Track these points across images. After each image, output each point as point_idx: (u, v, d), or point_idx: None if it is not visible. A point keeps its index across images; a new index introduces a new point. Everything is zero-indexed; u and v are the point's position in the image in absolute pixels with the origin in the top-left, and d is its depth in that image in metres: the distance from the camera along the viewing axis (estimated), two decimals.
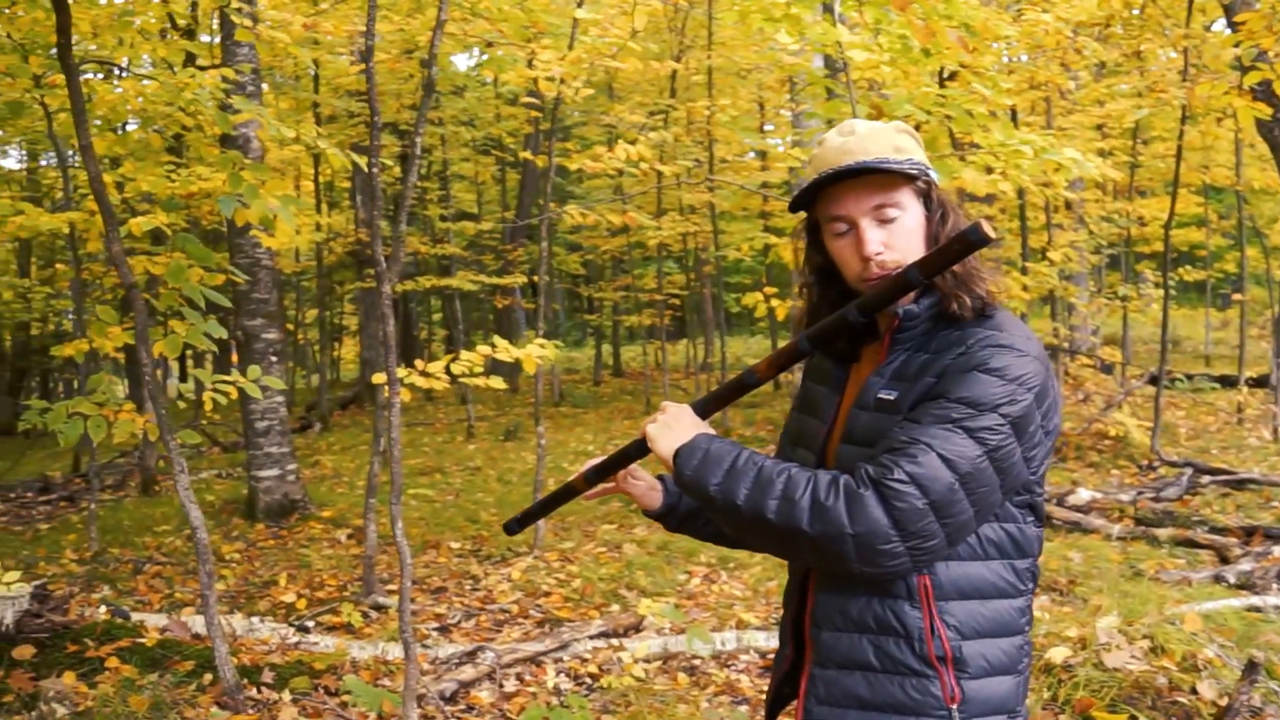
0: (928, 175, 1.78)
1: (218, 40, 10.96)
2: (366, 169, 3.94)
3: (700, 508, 1.93)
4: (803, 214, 1.90)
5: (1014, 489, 1.70)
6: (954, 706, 1.68)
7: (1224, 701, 3.82)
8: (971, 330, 1.71)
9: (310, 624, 5.55)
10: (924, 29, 3.57)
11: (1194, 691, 3.90)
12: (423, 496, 9.72)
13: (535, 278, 18.69)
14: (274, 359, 8.25)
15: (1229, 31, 7.68)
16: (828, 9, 5.09)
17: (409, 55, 11.99)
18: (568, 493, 2.06)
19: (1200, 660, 4.05)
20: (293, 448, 8.76)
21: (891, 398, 1.72)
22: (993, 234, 1.60)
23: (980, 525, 1.69)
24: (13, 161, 22.42)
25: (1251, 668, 3.81)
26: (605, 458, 2.00)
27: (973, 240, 1.59)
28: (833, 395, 1.89)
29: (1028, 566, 1.78)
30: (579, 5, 6.87)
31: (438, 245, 16.80)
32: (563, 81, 6.90)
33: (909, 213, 1.76)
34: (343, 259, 19.99)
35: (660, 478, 2.11)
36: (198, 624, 5.20)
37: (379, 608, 6.08)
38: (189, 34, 9.45)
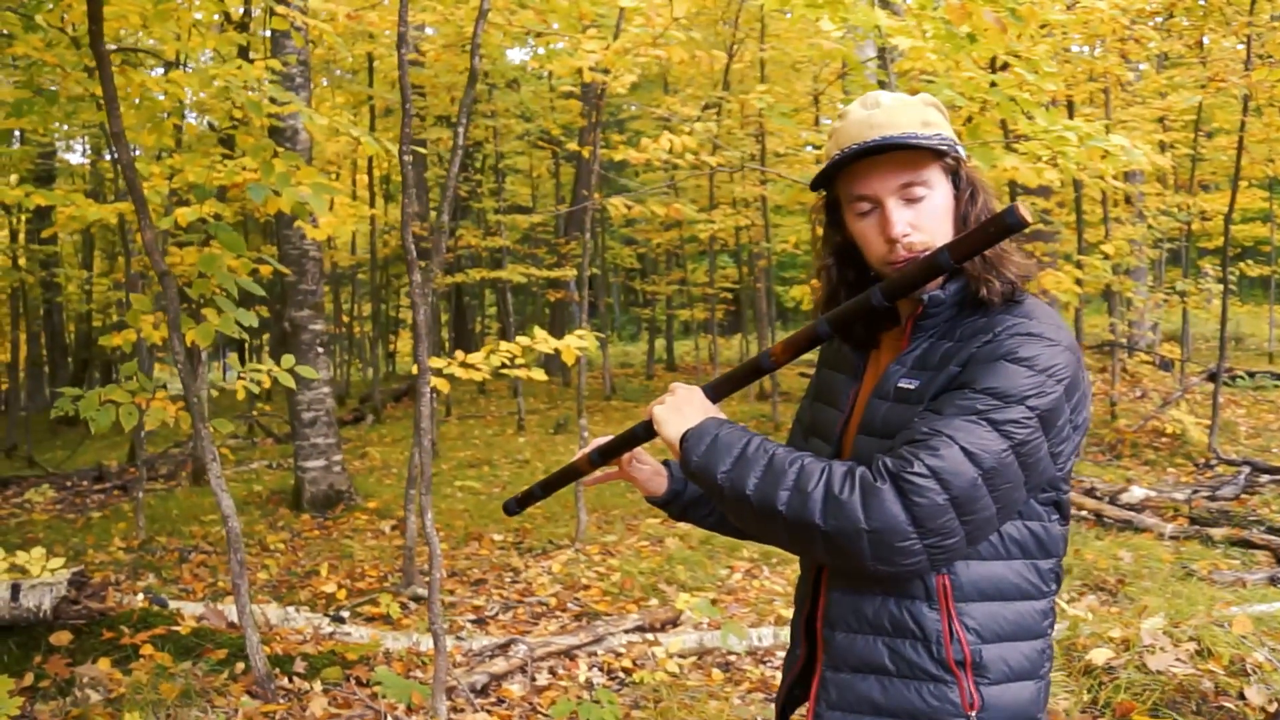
0: (956, 151, 1.68)
1: (268, 34, 11.09)
2: (398, 157, 3.91)
3: (705, 496, 1.86)
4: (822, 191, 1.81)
5: (1039, 486, 1.60)
6: (973, 713, 1.60)
7: (1273, 708, 3.67)
8: (999, 318, 1.62)
9: (346, 614, 5.56)
10: (959, 8, 3.45)
11: (1241, 696, 3.75)
12: (469, 489, 9.74)
13: (590, 270, 18.74)
14: (320, 349, 8.30)
15: None
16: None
17: (463, 49, 12.00)
18: (571, 473, 2.00)
19: (1249, 664, 3.89)
20: (339, 439, 8.81)
21: (912, 387, 1.64)
22: (1030, 217, 1.50)
23: (1003, 523, 1.60)
24: (78, 156, 22.89)
25: None
26: (611, 438, 1.93)
27: (1010, 223, 1.49)
28: (850, 383, 1.81)
29: (1051, 567, 1.69)
30: None
31: (489, 238, 16.85)
32: (607, 71, 6.84)
33: (937, 191, 1.66)
34: (397, 252, 20.14)
35: (666, 463, 2.03)
36: (234, 613, 5.22)
37: (418, 599, 6.07)
38: (243, 27, 9.55)
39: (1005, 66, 5.51)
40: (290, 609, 5.40)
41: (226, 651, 4.46)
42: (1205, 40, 9.70)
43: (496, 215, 15.88)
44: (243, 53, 8.87)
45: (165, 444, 14.12)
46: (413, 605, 6.02)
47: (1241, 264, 13.54)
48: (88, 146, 21.10)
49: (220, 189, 5.38)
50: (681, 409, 1.73)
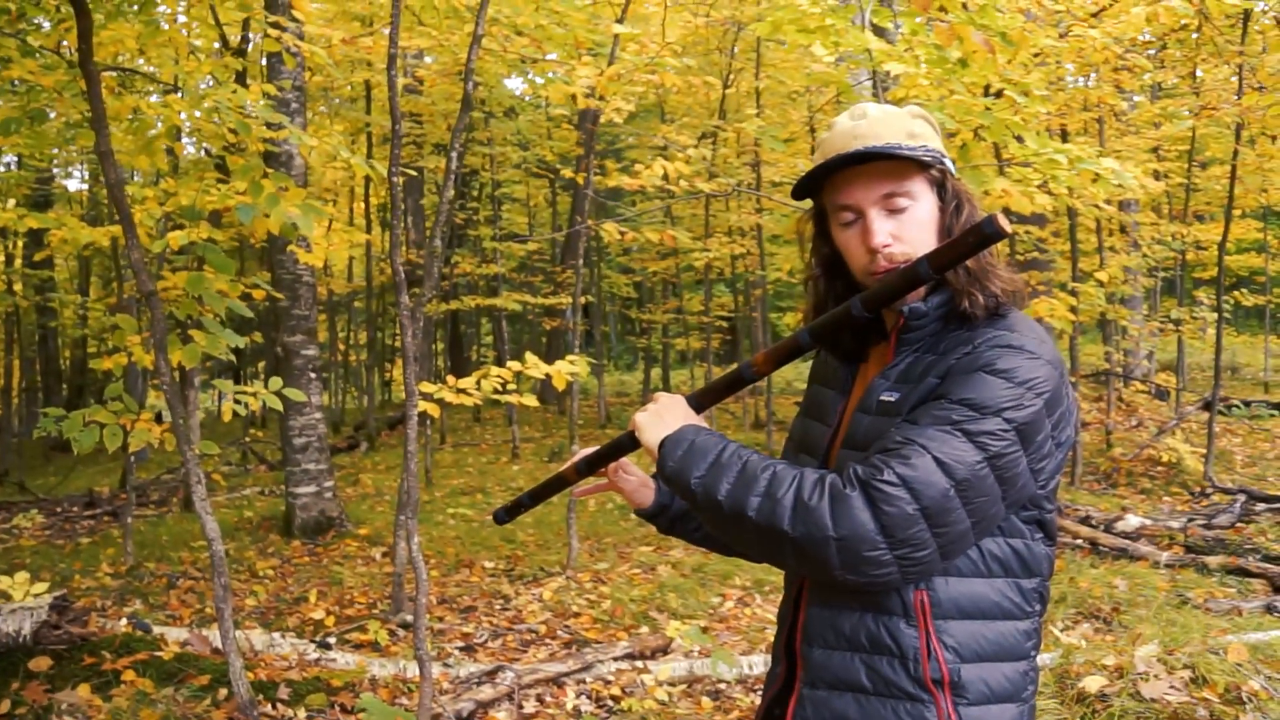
0: (942, 163, 1.67)
1: (264, 60, 11.12)
2: (388, 179, 3.90)
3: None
4: (808, 204, 1.80)
5: (1019, 502, 1.57)
6: None
7: None
8: (981, 330, 1.60)
9: (332, 641, 5.50)
10: (948, 31, 3.45)
11: None
12: (462, 516, 9.69)
13: (586, 298, 18.74)
14: (312, 375, 8.27)
15: None
16: (877, 30, 4.99)
17: (460, 77, 12.05)
18: (558, 483, 1.99)
19: (1245, 692, 3.84)
20: (331, 465, 8.76)
21: (893, 400, 1.61)
22: (1008, 228, 1.48)
23: (980, 539, 1.57)
24: (76, 182, 22.94)
25: None
26: (598, 448, 1.91)
27: (987, 233, 1.48)
28: (838, 398, 1.79)
29: (1035, 587, 1.65)
30: (619, 21, 6.83)
31: (485, 265, 16.87)
32: (601, 98, 6.86)
33: (921, 203, 1.65)
34: (391, 280, 20.13)
35: (655, 475, 2.01)
36: (218, 638, 5.17)
37: (406, 626, 6.01)
38: (240, 53, 9.59)
39: (1000, 94, 5.53)
40: (276, 635, 5.35)
41: (209, 677, 4.41)
42: (1199, 72, 9.75)
43: (493, 243, 15.90)
44: (240, 78, 8.92)
45: (158, 470, 14.08)
46: (401, 632, 5.96)
47: (1236, 293, 13.55)
48: (86, 172, 21.15)
49: (214, 213, 5.36)
50: (663, 416, 1.71)
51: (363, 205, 20.42)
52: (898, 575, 1.48)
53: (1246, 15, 7.49)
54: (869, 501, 1.44)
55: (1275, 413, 13.26)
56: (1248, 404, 13.43)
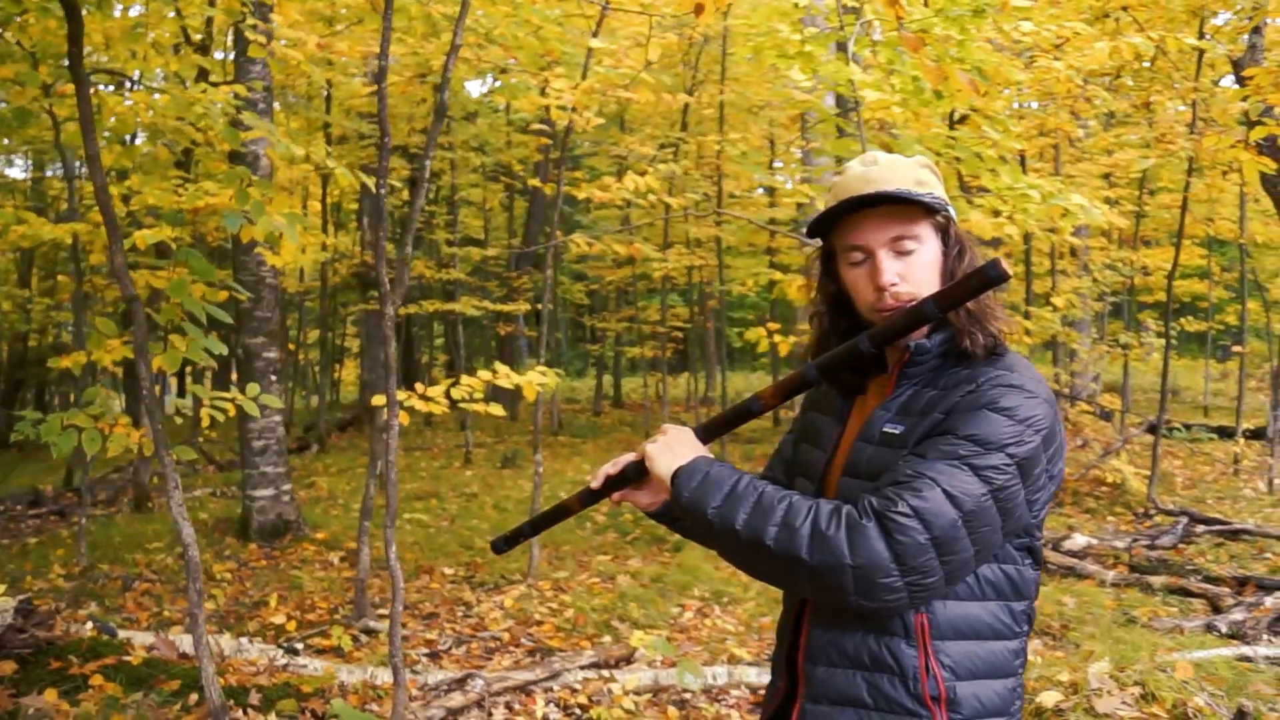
0: (947, 211, 1.77)
1: (231, 57, 11.03)
2: (375, 190, 3.95)
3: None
4: (818, 243, 1.88)
5: (1015, 531, 1.68)
6: None
7: None
8: (982, 369, 1.70)
9: (299, 646, 5.50)
10: (936, 70, 3.58)
11: None
12: (418, 521, 9.67)
13: (539, 305, 18.75)
14: (273, 377, 8.24)
15: (1237, 87, 7.74)
16: (841, 47, 5.11)
17: (422, 79, 12.06)
18: (562, 512, 2.04)
19: (1190, 708, 4.01)
20: (289, 468, 8.73)
21: (897, 432, 1.71)
22: (1010, 272, 1.59)
23: (980, 565, 1.67)
24: (18, 171, 22.49)
25: (1241, 716, 3.78)
26: (600, 485, 1.96)
27: (992, 276, 1.58)
28: (835, 426, 1.88)
29: (1024, 609, 1.76)
30: (594, 35, 6.91)
31: (443, 270, 16.83)
32: (574, 110, 6.93)
33: (927, 246, 1.75)
34: (347, 280, 20.04)
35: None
36: (186, 643, 5.16)
37: (369, 632, 6.03)
38: (203, 49, 9.52)
39: (964, 119, 5.70)
40: (243, 640, 5.35)
41: (179, 682, 4.41)
42: (1151, 102, 10.04)
43: (451, 248, 15.87)
44: (202, 75, 8.86)
45: (104, 469, 13.86)
46: (364, 638, 5.97)
47: (1181, 320, 13.94)
48: (29, 162, 20.78)
49: (174, 211, 5.35)
50: (673, 447, 1.79)
51: (319, 205, 20.31)
52: (907, 600, 1.58)
53: (1200, 53, 7.75)
54: (884, 532, 1.54)
55: (1215, 436, 13.64)
56: (1188, 427, 13.79)
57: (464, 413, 14.28)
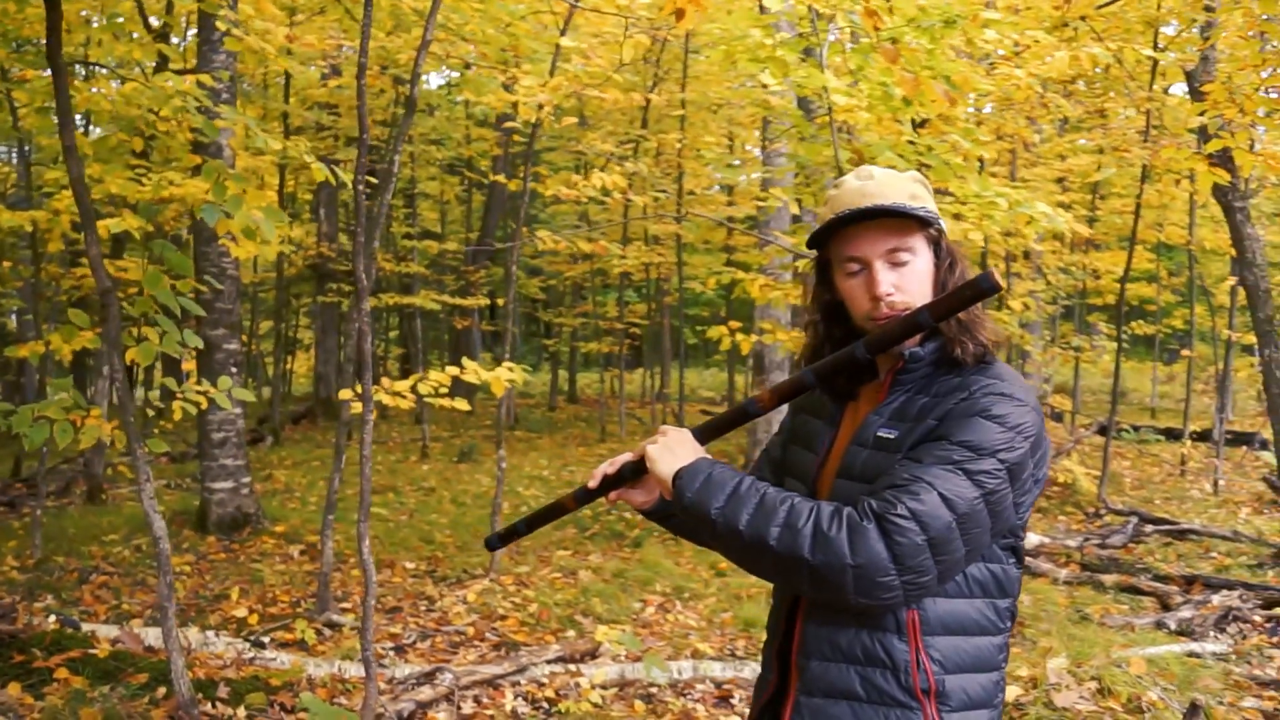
0: (939, 224, 1.84)
1: (186, 42, 10.89)
2: (351, 184, 3.95)
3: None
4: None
5: (1002, 532, 1.75)
6: None
7: None
8: (973, 378, 1.77)
9: (266, 640, 5.49)
10: (911, 81, 3.67)
11: None
12: (376, 515, 9.65)
13: (500, 300, 18.71)
14: (234, 369, 8.18)
15: (1188, 95, 7.94)
16: (809, 53, 5.19)
17: (384, 70, 11.98)
18: (556, 510, 2.07)
19: (1144, 702, 4.15)
20: (248, 461, 8.67)
21: (891, 436, 1.77)
22: (1003, 283, 1.67)
23: (969, 565, 1.75)
24: None
25: (1194, 710, 3.92)
26: (598, 484, 2.00)
27: (984, 288, 1.65)
28: (827, 429, 1.94)
29: (1008, 606, 1.84)
30: (562, 33, 6.94)
31: (401, 263, 16.75)
32: (541, 107, 6.96)
33: (920, 257, 1.82)
34: (302, 272, 19.86)
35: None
36: (150, 636, 5.14)
37: (333, 625, 6.02)
38: (163, 36, 9.40)
39: (925, 123, 5.80)
40: (209, 633, 5.33)
41: (147, 676, 4.39)
42: (1104, 109, 10.25)
43: (410, 241, 15.79)
44: (162, 62, 8.75)
45: (53, 459, 13.64)
46: (328, 631, 5.97)
47: (1131, 323, 14.24)
48: None
49: (146, 202, 5.31)
50: (673, 449, 1.84)
51: (273, 195, 20.08)
52: (902, 598, 1.65)
53: (1155, 63, 7.94)
54: (883, 533, 1.61)
55: (1162, 438, 13.96)
56: (1136, 428, 14.11)
57: (420, 406, 14.24)
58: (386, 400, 5.95)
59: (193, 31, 13.64)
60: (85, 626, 5.13)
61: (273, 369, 20.08)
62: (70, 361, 16.67)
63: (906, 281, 1.82)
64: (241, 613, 6.25)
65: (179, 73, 7.22)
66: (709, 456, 1.82)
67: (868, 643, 1.76)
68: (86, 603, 6.56)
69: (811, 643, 1.82)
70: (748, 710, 4.74)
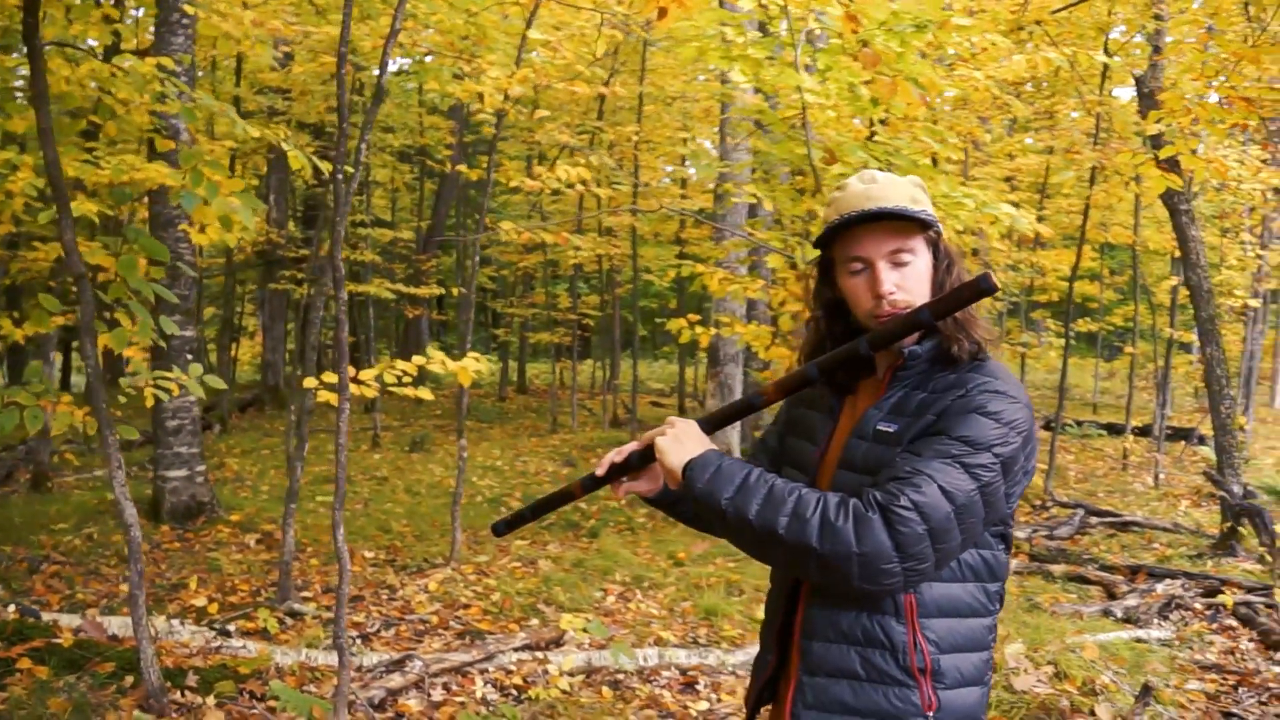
0: (938, 227, 1.93)
1: (129, 22, 10.70)
2: (330, 175, 3.96)
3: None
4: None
5: (994, 521, 1.85)
6: (931, 714, 1.83)
7: None
8: (969, 375, 1.85)
9: (232, 628, 5.47)
10: (889, 84, 3.77)
11: (1092, 714, 4.16)
12: (329, 504, 9.60)
13: (455, 290, 18.62)
14: (189, 357, 8.09)
15: (1136, 98, 8.16)
16: (775, 54, 5.27)
17: (332, 55, 11.84)
18: (564, 497, 2.13)
19: (1098, 685, 4.30)
20: (202, 449, 8.59)
21: (891, 430, 1.86)
22: (999, 285, 1.76)
23: (963, 552, 1.84)
24: None
25: (1145, 691, 4.08)
26: (605, 471, 2.06)
27: (983, 288, 1.75)
28: (827, 422, 2.02)
29: (997, 589, 1.94)
30: (528, 25, 6.96)
31: (354, 251, 16.62)
32: (507, 97, 6.98)
33: (920, 258, 1.90)
34: (250, 259, 19.62)
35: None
36: (114, 625, 5.11)
37: (295, 614, 6.01)
38: (111, 19, 9.25)
39: (884, 122, 5.92)
40: (175, 621, 5.30)
41: (114, 665, 4.37)
42: (1053, 111, 10.48)
43: (363, 229, 15.68)
44: (114, 48, 8.62)
45: None
46: (290, 620, 5.95)
47: (1076, 321, 14.57)
48: None
49: (119, 187, 5.25)
50: (682, 440, 1.91)
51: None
52: (902, 583, 1.74)
53: (1105, 69, 8.15)
54: (887, 523, 1.70)
55: (1104, 433, 14.30)
56: (1080, 424, 14.43)
57: (374, 396, 14.12)
58: (352, 389, 5.94)
59: (138, 11, 13.44)
60: (46, 616, 5.08)
61: (217, 357, 19.79)
62: (8, 347, 16.38)
63: (908, 281, 1.90)
64: (201, 602, 6.21)
65: (138, 54, 7.14)
66: (716, 448, 1.89)
67: (868, 625, 1.85)
68: (38, 592, 6.47)
69: (814, 625, 1.90)
70: (713, 695, 4.84)
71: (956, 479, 1.73)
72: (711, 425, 1.98)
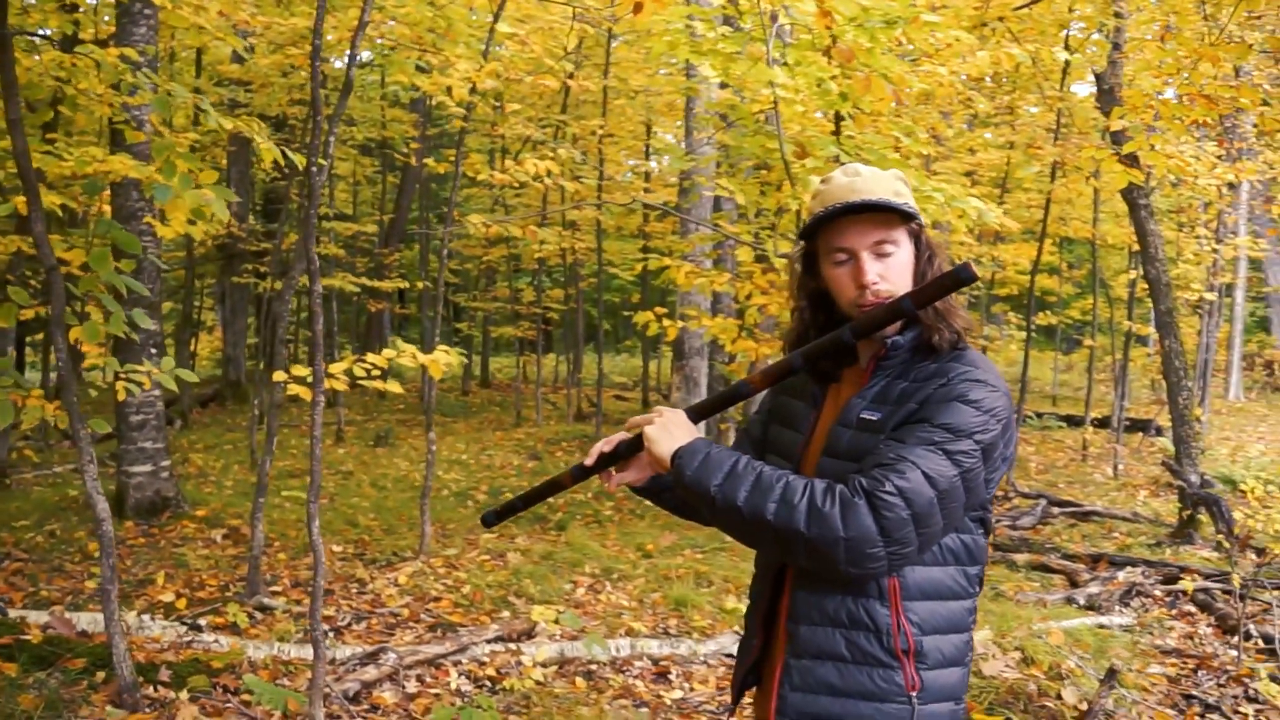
0: (920, 219, 1.98)
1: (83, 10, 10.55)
2: (304, 166, 3.95)
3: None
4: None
5: (974, 506, 1.90)
6: (914, 693, 1.88)
7: (1084, 706, 4.17)
8: (949, 365, 1.90)
9: (203, 623, 5.45)
10: (863, 79, 3.82)
11: (1059, 697, 4.25)
12: (296, 499, 9.55)
13: (419, 284, 18.53)
14: (154, 350, 8.02)
15: (1095, 94, 8.29)
16: (744, 48, 5.31)
17: (298, 42, 11.73)
18: (553, 487, 2.16)
19: (1064, 670, 4.39)
20: (167, 444, 8.51)
21: (874, 418, 1.90)
22: (978, 274, 1.80)
23: (945, 536, 1.89)
24: None
25: (1111, 674, 4.18)
26: (594, 461, 2.09)
27: (963, 277, 1.79)
28: (810, 410, 2.07)
29: (977, 572, 1.99)
30: (495, 18, 6.96)
31: (317, 245, 16.47)
32: (474, 90, 6.97)
33: (903, 249, 1.95)
34: (210, 253, 19.41)
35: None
36: (83, 621, 5.07)
37: (265, 609, 5.99)
38: (73, 7, 9.13)
39: (850, 117, 5.98)
40: (145, 617, 5.27)
41: (84, 661, 4.34)
42: (1013, 106, 10.62)
43: (326, 222, 15.56)
44: (71, 39, 8.50)
45: None
46: (259, 615, 5.93)
47: (1037, 314, 14.79)
48: None
49: (91, 179, 5.20)
50: (670, 429, 1.95)
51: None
52: (886, 567, 1.79)
53: (1067, 65, 8.28)
54: (872, 508, 1.74)
55: (1064, 424, 14.51)
56: (1040, 416, 14.64)
57: (333, 389, 14.02)
58: (302, 387, 5.91)
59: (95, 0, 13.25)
60: (13, 613, 5.03)
61: (176, 352, 19.57)
62: None
63: (890, 271, 1.95)
64: (168, 598, 6.17)
65: (99, 44, 7.05)
66: (704, 436, 1.93)
67: (853, 608, 1.89)
68: (1, 590, 6.40)
69: (800, 609, 1.94)
70: (686, 684, 4.89)
71: (939, 465, 1.78)
72: (699, 414, 2.02)
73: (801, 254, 2.07)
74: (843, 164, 2.07)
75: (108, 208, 8.24)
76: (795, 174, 4.58)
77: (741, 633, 2.18)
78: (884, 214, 1.93)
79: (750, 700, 2.22)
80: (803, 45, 4.53)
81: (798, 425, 2.08)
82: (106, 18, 10.60)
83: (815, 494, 1.77)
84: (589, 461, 2.09)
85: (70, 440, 13.96)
